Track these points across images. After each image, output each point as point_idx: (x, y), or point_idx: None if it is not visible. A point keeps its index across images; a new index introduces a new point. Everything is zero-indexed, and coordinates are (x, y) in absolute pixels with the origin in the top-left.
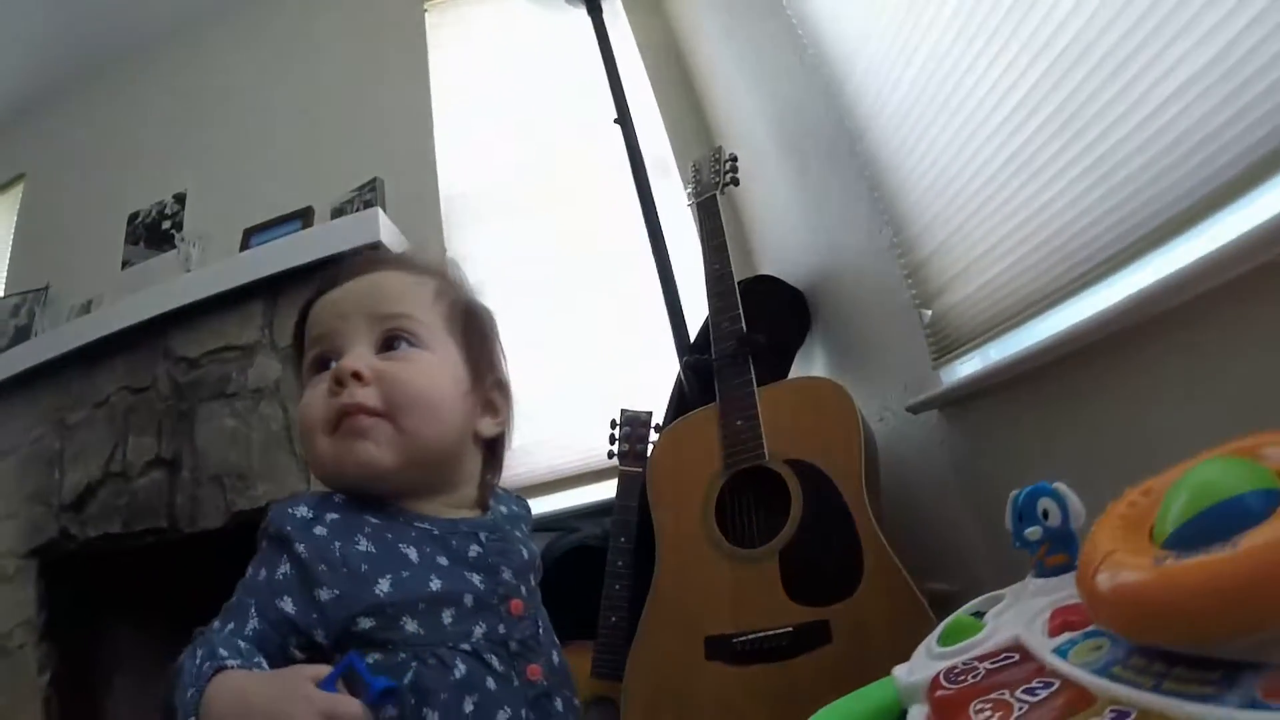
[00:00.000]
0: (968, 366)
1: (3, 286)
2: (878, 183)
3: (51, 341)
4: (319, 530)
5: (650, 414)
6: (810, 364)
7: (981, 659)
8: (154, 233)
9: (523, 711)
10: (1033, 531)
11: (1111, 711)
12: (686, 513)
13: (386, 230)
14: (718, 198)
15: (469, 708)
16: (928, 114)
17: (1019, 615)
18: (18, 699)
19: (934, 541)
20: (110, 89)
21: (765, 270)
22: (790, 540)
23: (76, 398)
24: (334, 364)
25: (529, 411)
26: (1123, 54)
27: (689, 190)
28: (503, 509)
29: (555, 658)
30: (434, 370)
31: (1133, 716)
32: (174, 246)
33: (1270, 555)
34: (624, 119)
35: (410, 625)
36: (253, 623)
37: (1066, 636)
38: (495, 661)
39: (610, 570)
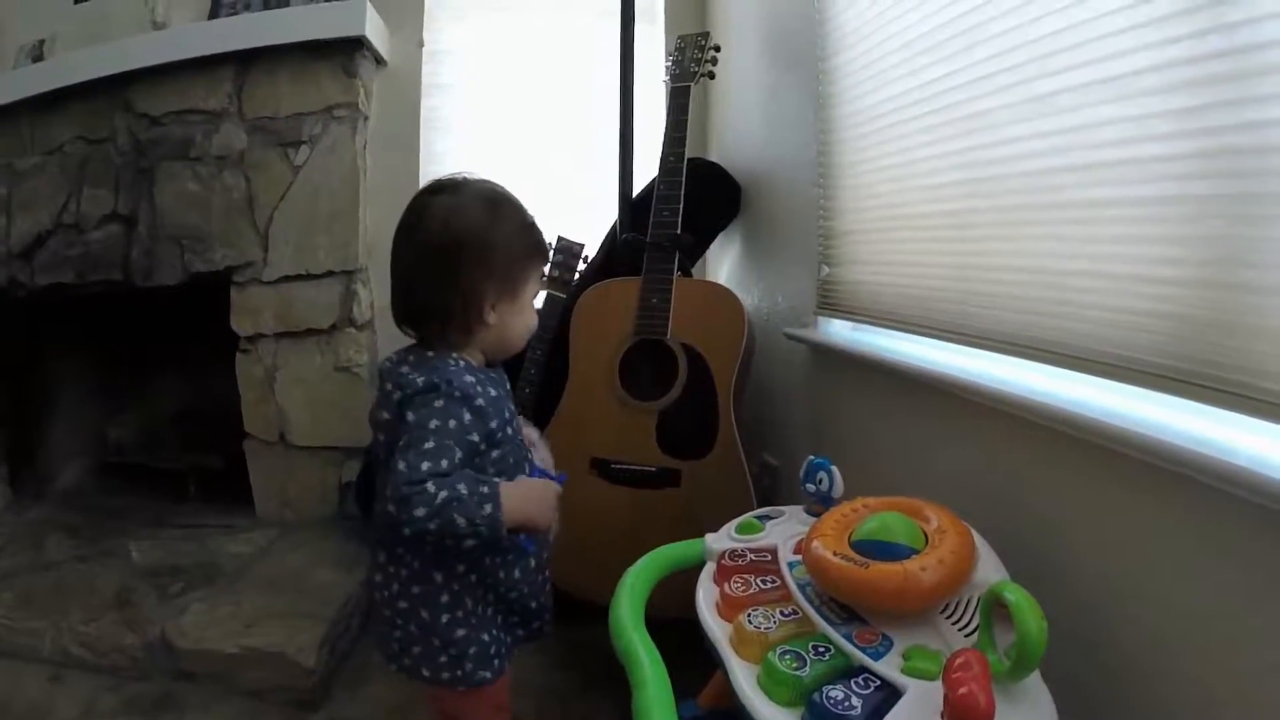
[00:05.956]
0: (840, 327)
1: None
2: (826, 147)
3: (4, 87)
4: (479, 389)
5: (583, 246)
6: (728, 245)
7: (752, 550)
8: None
9: (526, 467)
10: (808, 489)
11: (790, 609)
12: (598, 356)
13: (372, 25)
14: (691, 87)
15: (525, 471)
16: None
17: (783, 532)
18: None
19: (777, 429)
20: None
21: (716, 156)
22: (669, 405)
23: (26, 142)
24: None
25: None
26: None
27: (668, 65)
28: None
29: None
30: None
31: (799, 616)
32: None
33: (879, 579)
34: None
35: (510, 429)
36: (459, 453)
37: (799, 558)
38: (521, 443)
39: (523, 375)
